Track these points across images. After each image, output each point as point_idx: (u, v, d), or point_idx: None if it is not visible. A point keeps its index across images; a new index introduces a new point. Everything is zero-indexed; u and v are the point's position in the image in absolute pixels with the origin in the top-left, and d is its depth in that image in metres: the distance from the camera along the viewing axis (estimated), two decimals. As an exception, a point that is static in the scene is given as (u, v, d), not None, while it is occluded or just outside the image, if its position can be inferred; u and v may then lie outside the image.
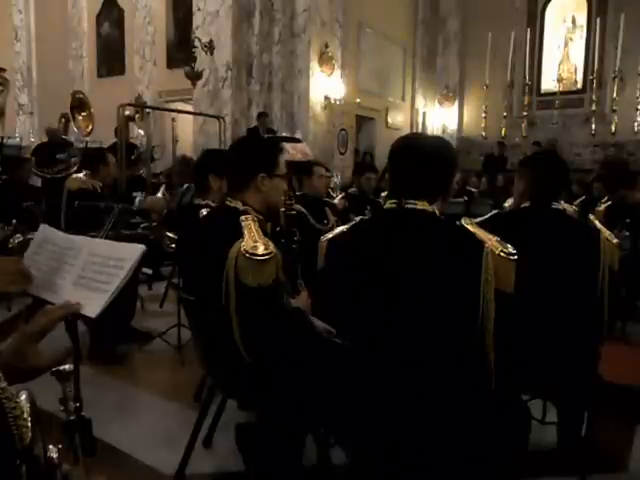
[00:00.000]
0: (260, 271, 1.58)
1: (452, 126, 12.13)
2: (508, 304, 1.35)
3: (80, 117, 7.70)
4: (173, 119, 5.89)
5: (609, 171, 4.78)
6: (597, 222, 2.15)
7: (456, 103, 12.13)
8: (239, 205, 1.82)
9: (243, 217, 1.71)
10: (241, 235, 1.63)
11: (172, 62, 10.08)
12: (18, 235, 3.95)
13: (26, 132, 10.73)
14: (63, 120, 8.00)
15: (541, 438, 2.25)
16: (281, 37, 8.23)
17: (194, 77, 7.99)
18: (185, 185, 3.86)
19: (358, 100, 9.88)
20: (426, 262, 1.39)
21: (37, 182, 6.26)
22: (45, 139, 7.31)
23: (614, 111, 9.18)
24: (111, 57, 11.26)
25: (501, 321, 1.35)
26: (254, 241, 1.60)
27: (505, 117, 10.22)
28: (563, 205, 2.20)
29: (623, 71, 9.10)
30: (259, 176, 1.84)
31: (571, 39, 10.91)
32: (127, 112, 6.12)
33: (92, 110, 7.75)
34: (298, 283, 2.31)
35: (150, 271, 4.90)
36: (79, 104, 7.72)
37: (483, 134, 10.54)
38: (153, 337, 3.52)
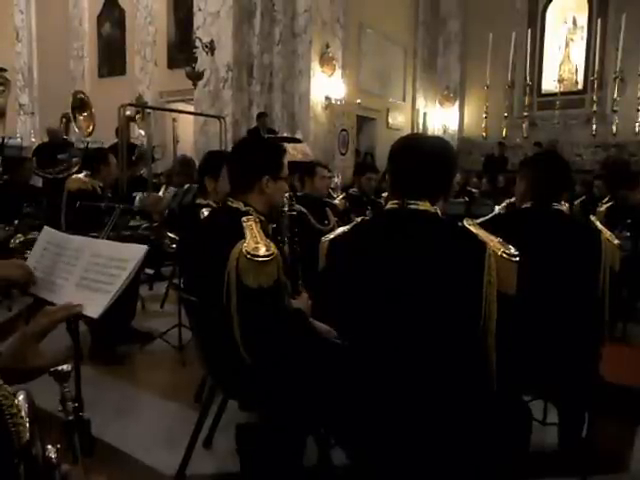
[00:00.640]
0: (261, 272, 1.58)
1: (453, 127, 12.13)
2: (510, 306, 1.35)
3: (81, 117, 7.71)
4: (174, 119, 5.90)
5: (610, 171, 4.78)
6: (598, 223, 2.15)
7: (457, 104, 12.13)
8: (241, 206, 1.82)
9: (245, 218, 1.71)
10: (243, 236, 1.63)
11: (173, 62, 10.09)
12: (19, 235, 3.96)
13: (27, 132, 10.75)
14: (64, 120, 8.01)
15: (542, 439, 2.25)
16: (282, 37, 8.23)
17: (195, 77, 7.99)
18: (186, 185, 3.86)
19: (359, 100, 9.88)
20: (428, 263, 1.39)
21: (38, 182, 6.26)
22: (46, 139, 7.32)
23: (615, 112, 9.18)
24: (112, 57, 11.26)
25: (502, 322, 1.35)
26: (255, 242, 1.60)
27: (506, 118, 10.23)
28: (564, 205, 2.20)
29: (624, 72, 9.11)
30: (264, 178, 1.85)
31: (572, 40, 10.91)
32: (128, 112, 6.14)
33: (93, 110, 7.76)
34: (299, 284, 2.32)
35: (151, 271, 4.90)
36: (80, 104, 7.74)
37: (484, 135, 10.55)
38: (154, 337, 3.52)
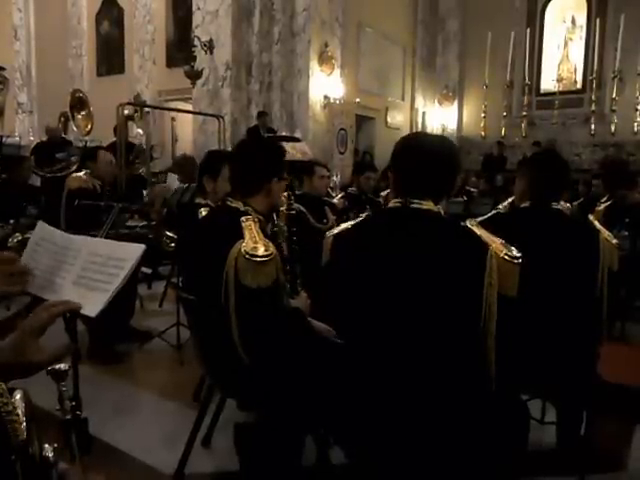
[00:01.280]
0: (260, 272, 1.58)
1: (451, 126, 12.12)
2: (510, 307, 1.35)
3: (79, 116, 7.71)
4: (173, 118, 5.90)
5: (609, 171, 4.78)
6: (596, 222, 2.15)
7: (456, 103, 12.12)
8: (240, 206, 1.82)
9: (244, 218, 1.71)
10: (241, 236, 1.63)
11: (172, 61, 10.07)
12: (17, 234, 3.95)
13: (25, 131, 10.74)
14: (62, 119, 8.02)
15: (540, 438, 2.26)
16: (281, 36, 8.23)
17: (194, 76, 7.98)
18: (185, 184, 3.86)
19: (358, 100, 9.87)
20: (430, 261, 1.38)
21: (36, 181, 6.26)
22: (44, 138, 7.32)
23: (614, 111, 9.19)
24: (111, 56, 11.24)
25: (502, 324, 1.35)
26: (254, 242, 1.60)
27: (504, 117, 10.23)
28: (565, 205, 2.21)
29: (623, 71, 9.11)
30: (273, 180, 1.88)
31: (571, 39, 10.90)
32: (126, 111, 6.13)
33: (91, 109, 7.76)
34: (297, 283, 2.31)
35: (149, 270, 4.90)
36: (78, 103, 7.73)
37: (482, 134, 10.55)
38: (152, 336, 3.51)
